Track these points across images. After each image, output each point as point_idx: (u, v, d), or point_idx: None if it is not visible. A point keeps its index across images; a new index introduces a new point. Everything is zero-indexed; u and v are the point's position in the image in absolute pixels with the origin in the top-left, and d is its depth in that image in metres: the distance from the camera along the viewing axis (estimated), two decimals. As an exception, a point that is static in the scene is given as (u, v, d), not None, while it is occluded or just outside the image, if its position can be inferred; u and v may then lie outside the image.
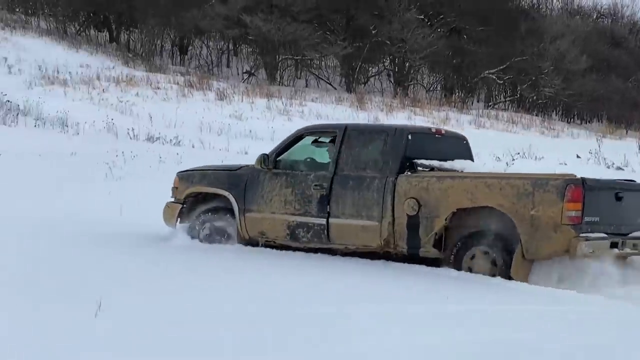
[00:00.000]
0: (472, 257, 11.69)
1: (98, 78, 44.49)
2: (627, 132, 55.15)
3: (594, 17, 78.94)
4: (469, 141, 13.77)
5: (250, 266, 11.41)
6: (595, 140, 34.08)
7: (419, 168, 12.46)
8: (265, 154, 13.21)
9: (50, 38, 57.41)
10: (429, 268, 11.82)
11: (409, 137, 12.63)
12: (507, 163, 22.42)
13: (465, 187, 11.84)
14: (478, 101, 62.37)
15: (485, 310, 9.04)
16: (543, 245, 11.16)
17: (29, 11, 67.95)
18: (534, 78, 60.79)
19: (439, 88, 63.66)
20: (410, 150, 12.50)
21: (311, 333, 7.59)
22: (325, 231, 12.61)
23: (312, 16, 58.59)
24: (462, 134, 14.37)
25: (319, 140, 13.38)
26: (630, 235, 11.84)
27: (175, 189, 13.94)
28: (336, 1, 59.86)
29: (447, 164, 12.66)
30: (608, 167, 26.59)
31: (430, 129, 14.28)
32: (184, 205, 13.75)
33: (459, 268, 11.69)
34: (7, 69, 45.00)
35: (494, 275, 11.38)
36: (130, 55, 58.59)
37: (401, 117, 41.72)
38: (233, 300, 8.94)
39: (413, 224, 11.99)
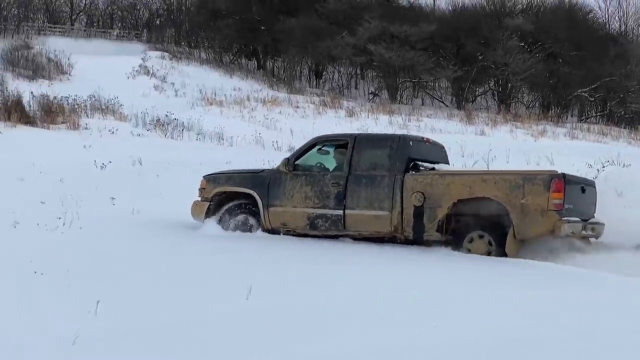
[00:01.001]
0: (471, 240, 12.13)
1: (248, 99, 45.14)
2: None
3: (676, 41, 76.33)
4: (456, 148, 14.42)
5: (355, 258, 11.39)
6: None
7: (421, 168, 12.98)
8: (287, 158, 13.69)
9: (209, 66, 58.60)
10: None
11: (411, 143, 13.26)
12: (597, 170, 21.88)
13: (465, 182, 12.34)
14: (572, 116, 61.07)
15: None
16: (532, 227, 11.75)
17: (192, 44, 69.55)
18: (621, 95, 59.29)
19: (537, 105, 62.60)
20: (411, 154, 13.01)
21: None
22: (342, 220, 12.99)
23: (427, 45, 58.42)
24: (441, 142, 14.77)
25: (323, 148, 13.73)
26: (588, 220, 12.47)
27: (202, 189, 14.12)
28: (448, 32, 59.53)
29: (434, 166, 13.21)
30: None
31: (422, 137, 14.68)
32: (211, 203, 13.95)
33: (459, 249, 12.11)
34: (174, 92, 46.12)
35: (489, 254, 11.84)
36: (275, 80, 59.32)
37: (504, 130, 41.10)
38: (365, 286, 8.95)
39: (419, 213, 12.48)
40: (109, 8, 77.45)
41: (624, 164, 26.29)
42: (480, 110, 55.18)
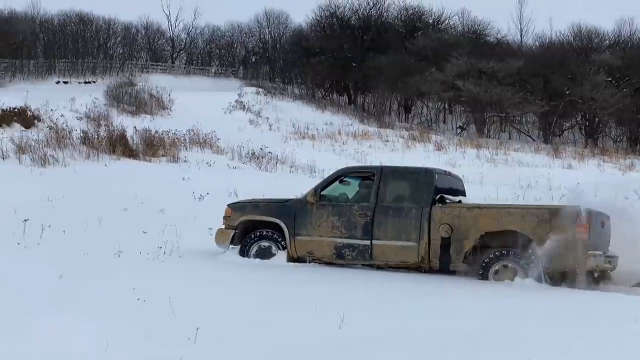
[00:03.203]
0: (497, 271, 12.12)
1: (339, 133, 45.27)
2: None
3: None
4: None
5: (434, 290, 11.32)
6: None
7: (447, 200, 12.96)
8: (314, 188, 13.62)
9: (301, 101, 59.06)
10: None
11: (436, 176, 13.26)
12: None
13: (492, 215, 12.35)
14: (660, 150, 59.54)
15: None
16: (559, 260, 11.72)
17: (285, 80, 70.34)
18: None
19: (624, 139, 61.24)
20: (437, 186, 13.02)
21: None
22: (369, 250, 12.93)
23: (514, 80, 57.87)
24: (459, 174, 15.05)
25: (345, 179, 13.72)
26: (606, 254, 12.45)
27: (227, 217, 14.02)
28: (535, 67, 58.89)
29: (455, 198, 13.21)
30: None
31: (445, 171, 14.71)
32: (236, 231, 13.85)
33: (485, 278, 12.10)
34: (268, 126, 46.55)
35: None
36: (365, 114, 59.44)
37: (591, 164, 40.28)
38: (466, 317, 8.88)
39: (446, 244, 12.44)
40: (208, 46, 79.03)
41: None
42: (567, 144, 54.23)
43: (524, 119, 61.51)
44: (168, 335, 7.33)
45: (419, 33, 68.58)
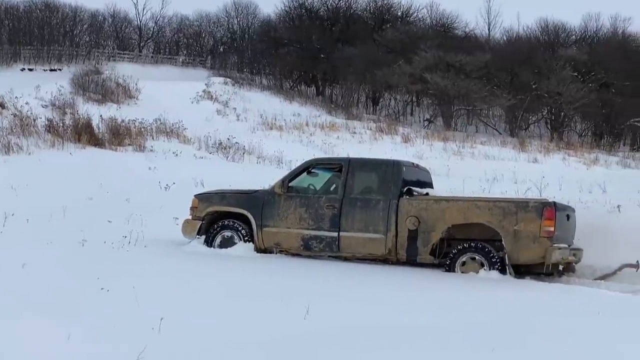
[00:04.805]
0: (464, 263, 12.17)
1: (307, 124, 45.24)
2: None
3: None
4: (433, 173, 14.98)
5: (399, 283, 11.38)
6: None
7: (414, 193, 12.99)
8: (282, 180, 13.59)
9: (269, 92, 58.93)
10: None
11: (404, 168, 13.27)
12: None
13: (459, 208, 12.39)
14: (624, 145, 60.13)
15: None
16: (524, 253, 11.86)
17: (253, 71, 70.13)
18: (674, 125, 58.30)
19: (589, 133, 61.80)
20: (405, 178, 13.05)
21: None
22: (337, 242, 12.95)
23: (481, 74, 58.21)
24: (430, 166, 15.31)
25: (312, 171, 13.73)
26: (571, 246, 12.58)
27: (194, 208, 14.00)
28: (502, 61, 59.26)
29: (422, 190, 13.28)
30: None
31: (412, 163, 14.73)
32: (203, 222, 13.84)
33: (452, 270, 12.16)
34: (236, 117, 46.41)
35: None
36: (333, 106, 59.42)
37: (557, 158, 40.61)
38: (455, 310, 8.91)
39: (413, 236, 12.50)
40: (176, 36, 78.57)
41: (676, 193, 25.78)
42: (533, 138, 54.63)
43: (490, 112, 61.85)
44: (132, 325, 7.28)
45: (388, 25, 68.72)
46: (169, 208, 16.95)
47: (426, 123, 59.01)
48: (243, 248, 13.37)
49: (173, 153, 27.85)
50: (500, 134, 57.15)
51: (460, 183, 22.46)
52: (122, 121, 31.07)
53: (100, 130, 28.77)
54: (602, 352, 7.05)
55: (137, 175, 21.90)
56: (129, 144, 28.36)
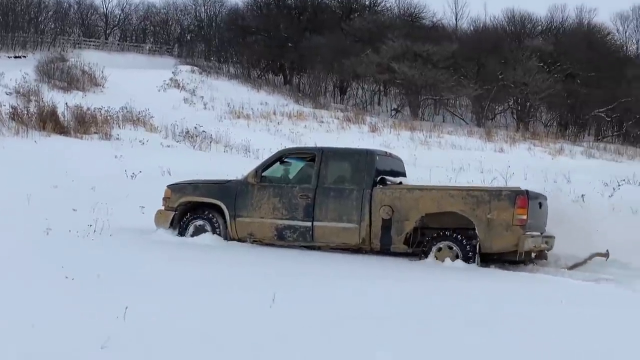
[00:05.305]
0: (439, 250, 12.16)
1: (274, 113, 45.22)
2: None
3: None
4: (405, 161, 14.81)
5: (367, 272, 11.42)
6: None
7: (388, 182, 12.97)
8: (255, 169, 13.54)
9: (237, 81, 58.79)
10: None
11: (377, 157, 13.21)
12: (613, 188, 21.69)
13: (433, 197, 12.37)
14: (589, 135, 60.76)
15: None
16: (497, 241, 11.87)
17: (221, 59, 69.88)
18: (638, 116, 58.97)
19: (555, 124, 62.34)
20: (378, 168, 12.98)
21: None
22: (310, 232, 12.93)
23: (449, 64, 58.45)
24: (399, 155, 14.91)
25: (285, 161, 13.72)
26: (543, 234, 12.64)
27: (167, 199, 13.96)
28: (469, 51, 59.52)
29: (396, 179, 13.30)
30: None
31: (385, 152, 14.74)
32: (176, 213, 13.82)
33: (427, 258, 12.14)
34: (203, 105, 46.27)
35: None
36: (300, 95, 59.42)
37: (522, 148, 40.95)
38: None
39: (386, 226, 12.47)
40: (142, 23, 78.04)
41: (639, 183, 26.11)
42: (500, 128, 55.02)
43: (457, 102, 62.19)
44: (96, 313, 7.23)
45: (355, 15, 68.73)
46: (135, 197, 16.86)
47: (393, 112, 59.17)
48: (210, 237, 13.33)
49: (139, 141, 27.68)
50: (467, 123, 57.48)
51: (427, 172, 22.57)
52: (88, 109, 30.83)
53: (66, 118, 28.53)
54: (560, 339, 7.11)
55: (103, 164, 21.75)
56: (94, 132, 28.16)
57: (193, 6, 76.44)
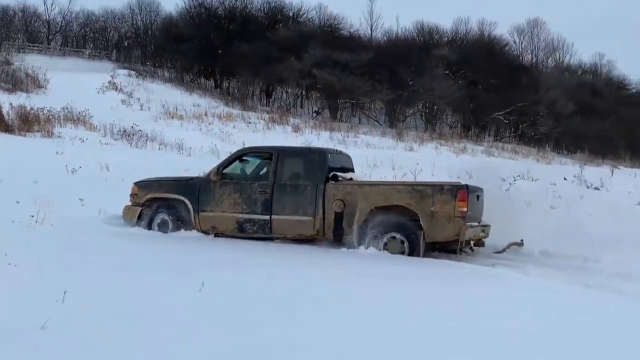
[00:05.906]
0: (386, 243, 12.08)
1: (206, 114, 44.91)
2: (603, 160, 54.19)
3: (579, 73, 78.01)
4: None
5: (307, 262, 11.43)
6: (579, 167, 33.51)
7: (339, 178, 12.97)
8: (217, 167, 13.55)
9: (171, 84, 58.18)
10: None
11: (329, 155, 13.25)
12: (510, 183, 22.14)
13: (381, 191, 12.38)
14: (489, 135, 61.95)
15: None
16: (440, 231, 11.86)
17: (156, 64, 69.02)
18: (532, 119, 60.50)
19: (459, 125, 63.35)
20: (330, 165, 13.03)
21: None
22: (269, 225, 12.93)
23: (364, 71, 58.84)
24: (348, 152, 15.03)
25: (244, 159, 13.70)
26: (481, 223, 12.77)
27: (134, 195, 13.97)
28: (383, 59, 59.98)
29: (346, 175, 13.28)
30: (588, 187, 26.07)
31: (336, 150, 14.79)
32: (143, 208, 13.84)
33: (377, 249, 12.04)
34: (139, 106, 45.63)
35: (402, 253, 11.88)
36: (230, 98, 59.13)
37: (430, 147, 41.51)
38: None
39: (339, 218, 12.49)
40: (82, 30, 76.63)
41: (532, 179, 26.75)
42: (410, 129, 55.71)
43: (372, 105, 62.68)
44: (37, 297, 7.11)
45: (280, 25, 68.61)
46: (75, 190, 16.59)
47: (314, 114, 59.35)
48: (171, 229, 13.35)
49: (79, 139, 27.18)
50: (381, 125, 58.00)
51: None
52: (32, 109, 30.14)
53: (10, 117, 27.85)
54: (457, 312, 7.26)
55: (45, 160, 21.29)
56: (37, 131, 27.54)
57: (130, 15, 75.36)
